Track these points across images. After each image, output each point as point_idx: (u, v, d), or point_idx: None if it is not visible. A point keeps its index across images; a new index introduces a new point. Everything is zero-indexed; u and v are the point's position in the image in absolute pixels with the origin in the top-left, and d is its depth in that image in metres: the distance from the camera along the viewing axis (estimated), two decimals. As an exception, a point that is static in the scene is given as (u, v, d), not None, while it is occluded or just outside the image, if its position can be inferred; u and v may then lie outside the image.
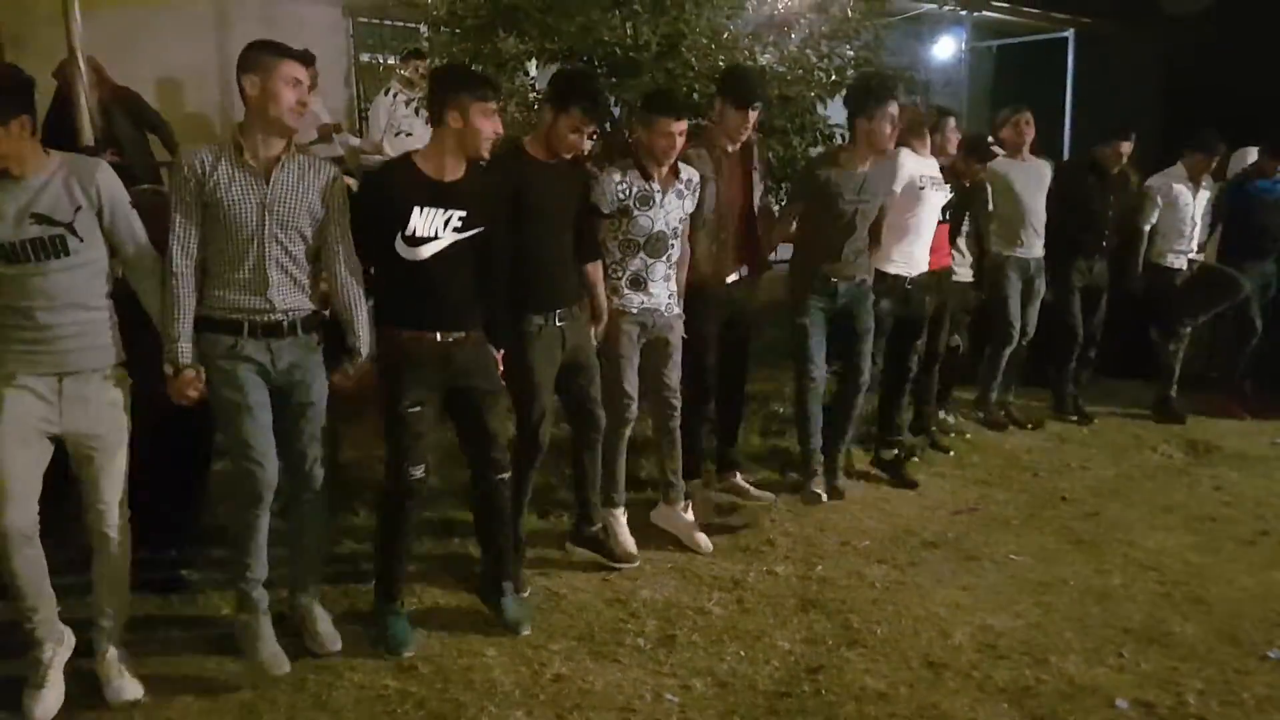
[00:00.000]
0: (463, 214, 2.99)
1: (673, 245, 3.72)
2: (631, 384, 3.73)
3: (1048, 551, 4.01)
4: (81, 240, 2.63)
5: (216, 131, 7.12)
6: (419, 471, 3.04)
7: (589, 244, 3.56)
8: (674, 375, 3.86)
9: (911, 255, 4.48)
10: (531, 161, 3.36)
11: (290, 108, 2.74)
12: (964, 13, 10.11)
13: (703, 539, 3.91)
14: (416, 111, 5.78)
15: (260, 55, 2.74)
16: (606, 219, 3.61)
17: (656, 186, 3.63)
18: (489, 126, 2.97)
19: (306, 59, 2.80)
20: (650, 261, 3.68)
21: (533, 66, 5.15)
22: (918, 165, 4.41)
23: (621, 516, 3.86)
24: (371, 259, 2.99)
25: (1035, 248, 5.38)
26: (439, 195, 2.96)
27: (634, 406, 3.75)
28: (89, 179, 2.65)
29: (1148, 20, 12.07)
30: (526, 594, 3.46)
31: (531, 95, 4.99)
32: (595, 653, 3.15)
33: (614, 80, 4.77)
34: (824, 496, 4.20)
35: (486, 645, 3.17)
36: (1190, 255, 5.90)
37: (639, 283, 3.69)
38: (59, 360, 2.64)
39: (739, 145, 3.98)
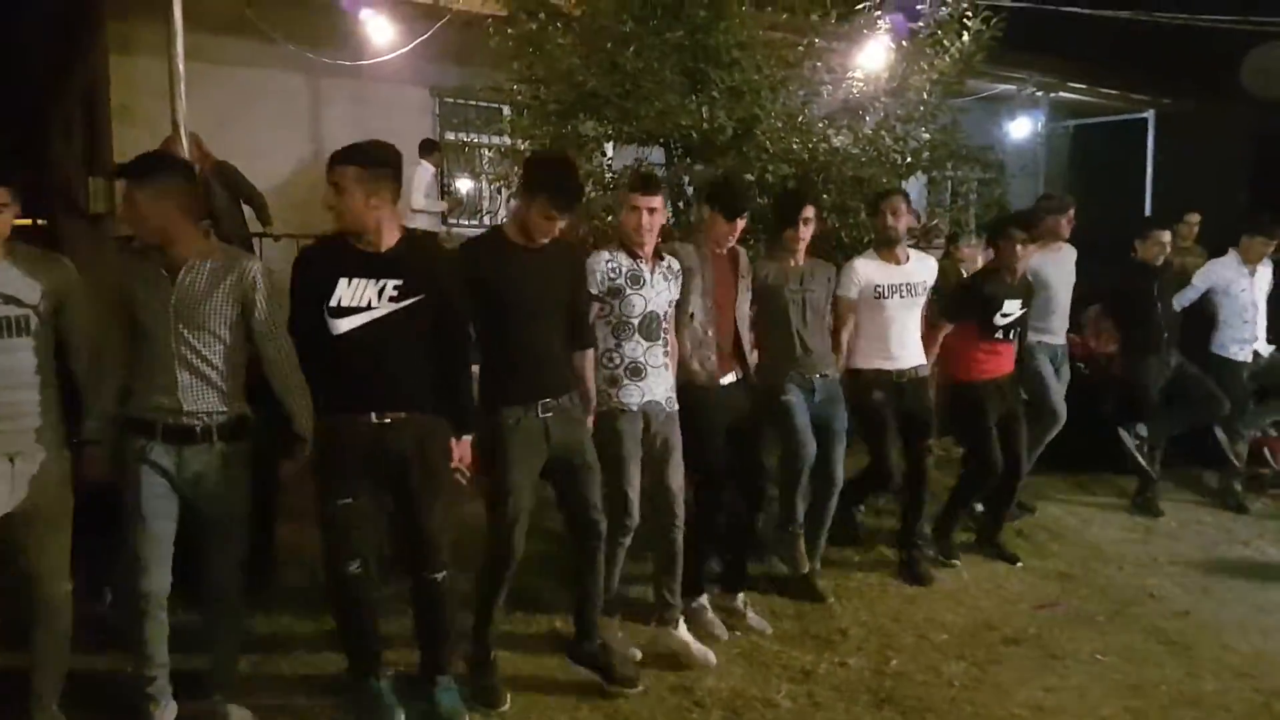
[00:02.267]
0: (398, 282, 2.88)
1: (666, 330, 3.54)
2: (635, 488, 3.47)
3: (1136, 652, 3.83)
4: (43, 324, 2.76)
5: (307, 205, 7.43)
6: (355, 567, 2.90)
7: (580, 331, 3.37)
8: (677, 478, 3.57)
9: (890, 353, 4.31)
10: (508, 245, 3.19)
11: (132, 221, 2.81)
12: (1040, 94, 10.10)
13: (706, 654, 3.57)
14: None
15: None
16: (597, 301, 3.44)
17: (644, 266, 3.47)
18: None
19: (128, 172, 2.81)
20: (647, 345, 3.47)
21: (610, 148, 5.30)
22: (874, 273, 4.26)
23: (615, 627, 3.63)
24: (303, 340, 2.91)
25: (1060, 335, 5.20)
26: (369, 265, 2.88)
27: (636, 513, 3.48)
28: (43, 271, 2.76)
29: (1229, 101, 11.94)
30: (505, 708, 3.22)
31: (608, 176, 5.12)
32: (661, 742, 3.08)
33: (690, 163, 4.86)
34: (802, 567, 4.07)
35: (551, 730, 3.13)
36: (1255, 345, 5.58)
37: (639, 371, 3.46)
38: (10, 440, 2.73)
39: (726, 250, 3.83)
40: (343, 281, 2.84)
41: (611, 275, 3.42)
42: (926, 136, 5.39)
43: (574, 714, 3.22)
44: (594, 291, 3.40)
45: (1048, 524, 5.28)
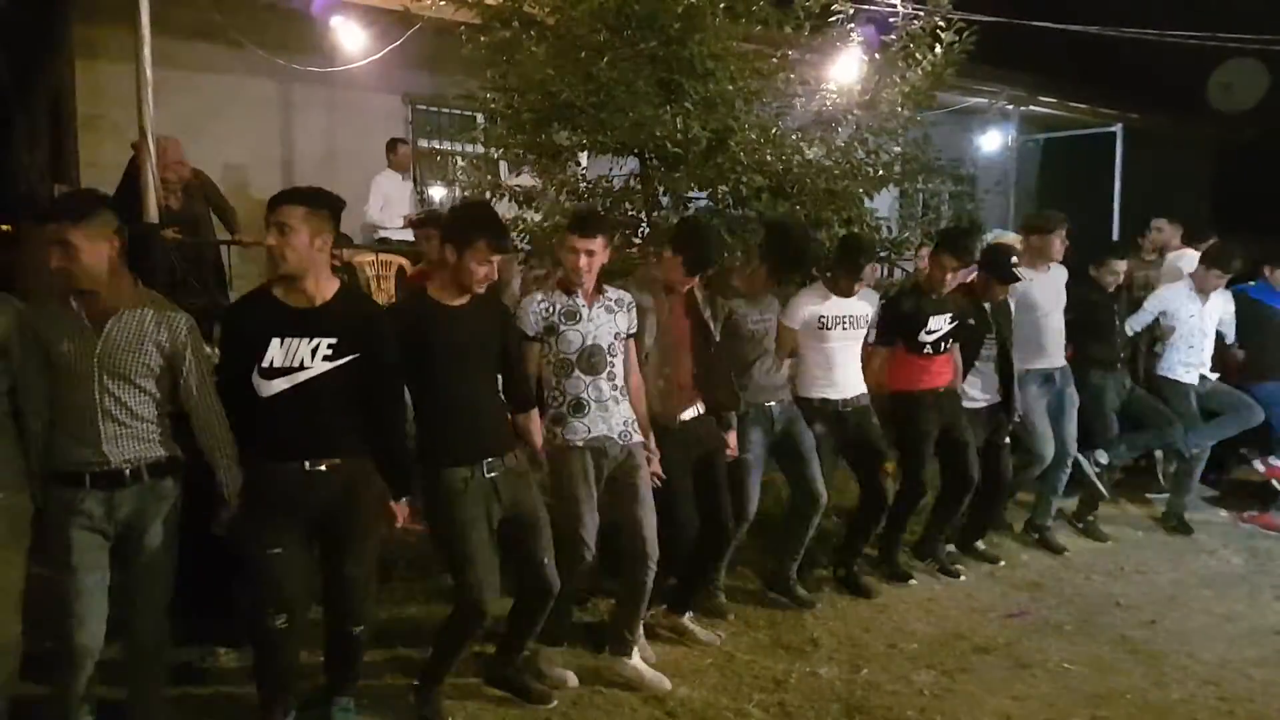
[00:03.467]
0: (332, 340, 2.82)
1: (612, 362, 3.42)
2: (589, 529, 3.35)
3: (1103, 661, 3.86)
4: None
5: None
6: (281, 621, 2.82)
7: (518, 390, 3.31)
8: (648, 518, 3.43)
9: (834, 381, 4.29)
10: (435, 305, 3.10)
11: (58, 270, 2.62)
12: (1011, 107, 10.22)
13: (660, 680, 3.49)
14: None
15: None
16: (535, 343, 3.38)
17: (581, 301, 3.39)
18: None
19: (63, 215, 2.64)
20: (589, 380, 3.38)
21: (584, 157, 5.30)
22: (821, 305, 4.23)
23: (556, 655, 3.55)
24: (230, 396, 2.85)
25: (1058, 357, 5.09)
26: (303, 322, 2.81)
27: (590, 555, 3.37)
28: None
29: (1195, 116, 12.16)
30: None
31: (581, 185, 5.11)
32: (632, 754, 3.06)
33: (663, 173, 4.87)
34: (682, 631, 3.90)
35: (521, 742, 3.10)
36: (1201, 370, 5.54)
37: (581, 407, 3.37)
38: None
39: (683, 290, 3.75)
40: (275, 341, 2.77)
41: (545, 315, 3.37)
42: (898, 149, 5.43)
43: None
44: (529, 334, 3.36)
45: (1017, 534, 5.32)
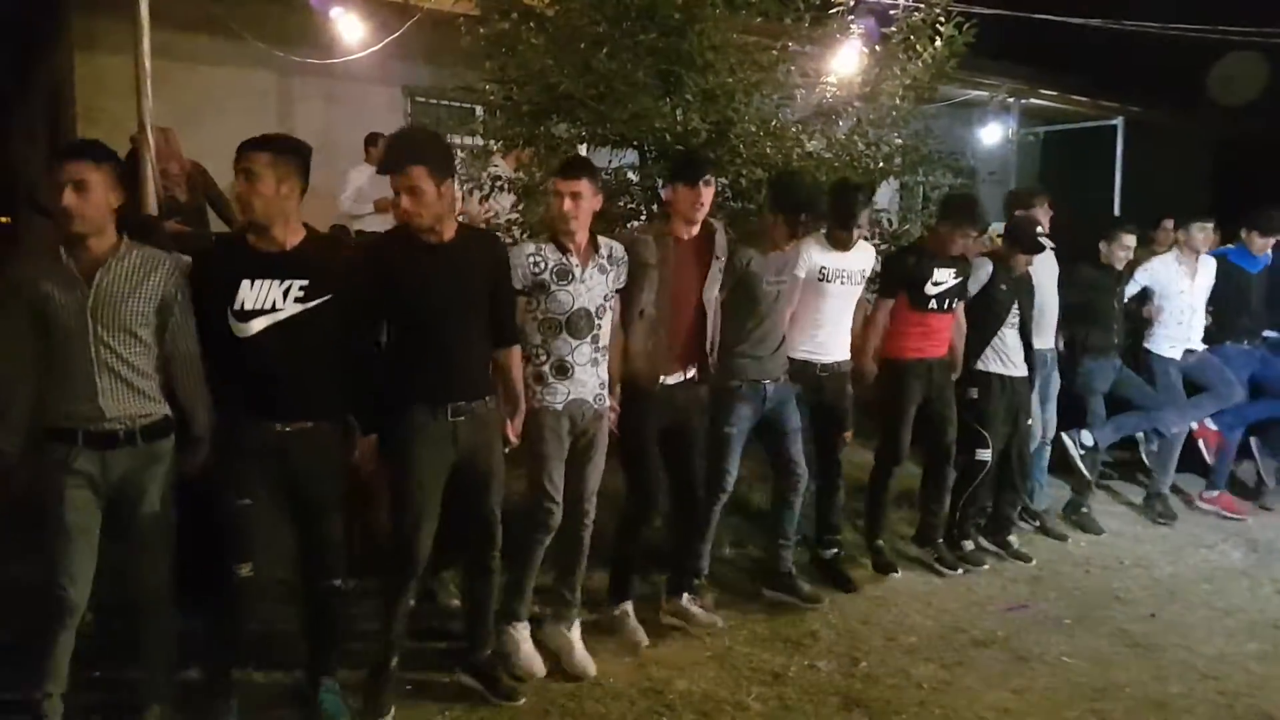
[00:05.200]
0: (304, 282, 2.83)
1: (599, 325, 3.38)
2: (556, 486, 3.34)
3: (1102, 655, 3.86)
4: None
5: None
6: (246, 570, 2.85)
7: (502, 326, 3.22)
8: (593, 479, 3.48)
9: (819, 342, 4.21)
10: (417, 241, 3.02)
11: (67, 209, 2.62)
12: (1012, 100, 10.19)
13: (587, 662, 3.46)
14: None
15: (51, 160, 2.73)
16: (522, 296, 3.31)
17: (575, 260, 3.30)
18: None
19: (85, 154, 2.68)
20: (575, 344, 3.33)
21: (583, 150, 5.28)
22: (822, 256, 4.15)
23: (524, 631, 3.47)
24: (206, 343, 2.85)
25: (1049, 339, 5.09)
26: (273, 265, 2.82)
27: (558, 512, 3.35)
28: None
29: (1199, 109, 12.14)
30: (389, 717, 3.12)
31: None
32: (630, 747, 3.06)
33: (663, 165, 4.84)
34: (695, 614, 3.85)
35: (519, 734, 3.10)
36: (1187, 345, 5.56)
37: (565, 369, 3.33)
38: None
39: (696, 231, 3.65)
40: (245, 283, 2.78)
41: (535, 269, 3.27)
42: (899, 141, 5.41)
43: (544, 718, 3.20)
44: (517, 287, 3.27)
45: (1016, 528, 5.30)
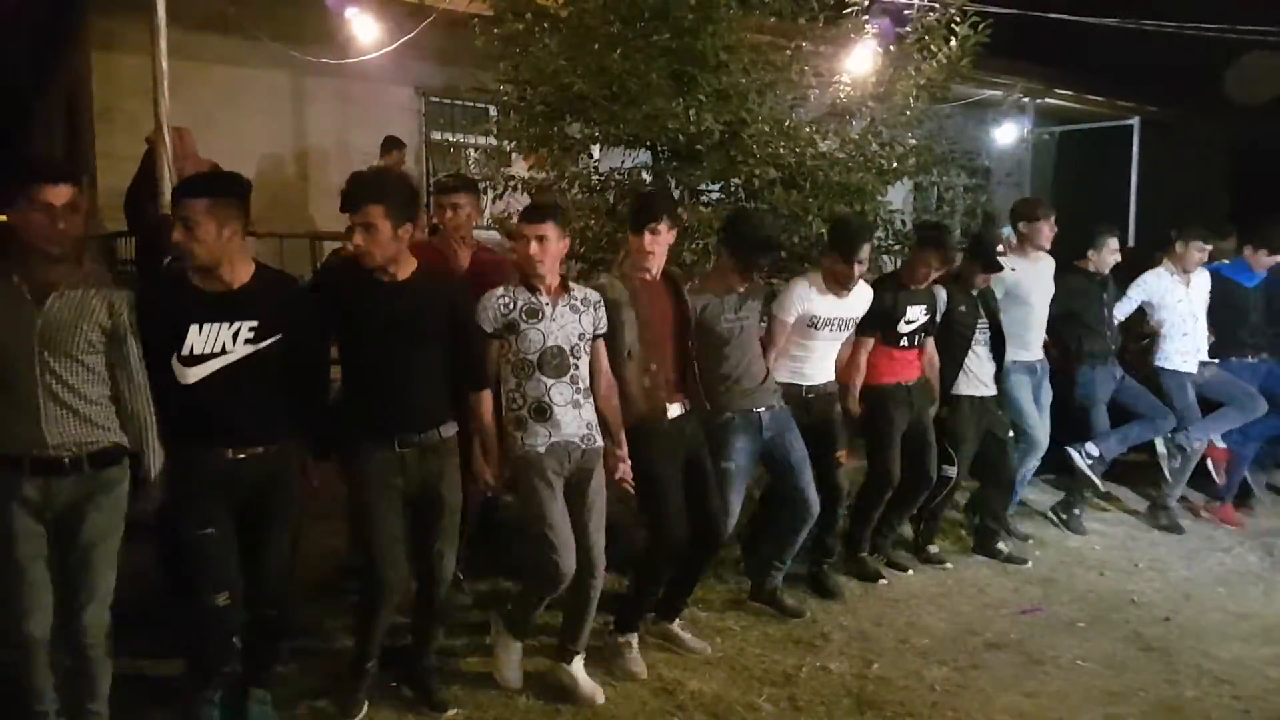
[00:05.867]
0: (254, 323, 2.79)
1: (575, 365, 3.29)
2: (559, 534, 3.20)
3: (1116, 658, 3.84)
4: None
5: (291, 203, 7.39)
6: (223, 599, 2.81)
7: (470, 368, 3.20)
8: (597, 531, 3.34)
9: (805, 374, 4.17)
10: (368, 276, 3.00)
11: (41, 234, 2.56)
12: (1027, 100, 10.15)
13: (595, 692, 3.35)
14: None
15: (15, 185, 2.62)
16: (493, 340, 3.26)
17: (545, 299, 3.26)
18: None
19: (58, 177, 2.62)
20: (550, 383, 3.24)
21: (596, 150, 5.29)
22: (816, 303, 4.07)
23: (519, 649, 3.44)
24: (154, 378, 2.79)
25: (1038, 349, 5.05)
26: (221, 307, 2.77)
27: (565, 564, 3.19)
28: None
29: (1214, 108, 12.04)
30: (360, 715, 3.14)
31: (594, 179, 5.10)
32: (641, 747, 3.07)
33: (676, 166, 4.85)
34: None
35: (530, 734, 3.11)
36: (1198, 356, 5.43)
37: (543, 411, 3.24)
38: None
39: (658, 273, 3.60)
40: (194, 328, 2.74)
41: (504, 311, 3.24)
42: (913, 141, 5.39)
43: (555, 718, 3.21)
44: (488, 330, 3.24)
45: (1029, 530, 5.29)
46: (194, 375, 2.76)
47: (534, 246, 3.22)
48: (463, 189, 3.90)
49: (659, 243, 3.52)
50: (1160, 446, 5.50)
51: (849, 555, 4.59)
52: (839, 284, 4.10)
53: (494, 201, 5.31)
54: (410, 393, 3.06)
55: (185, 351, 2.74)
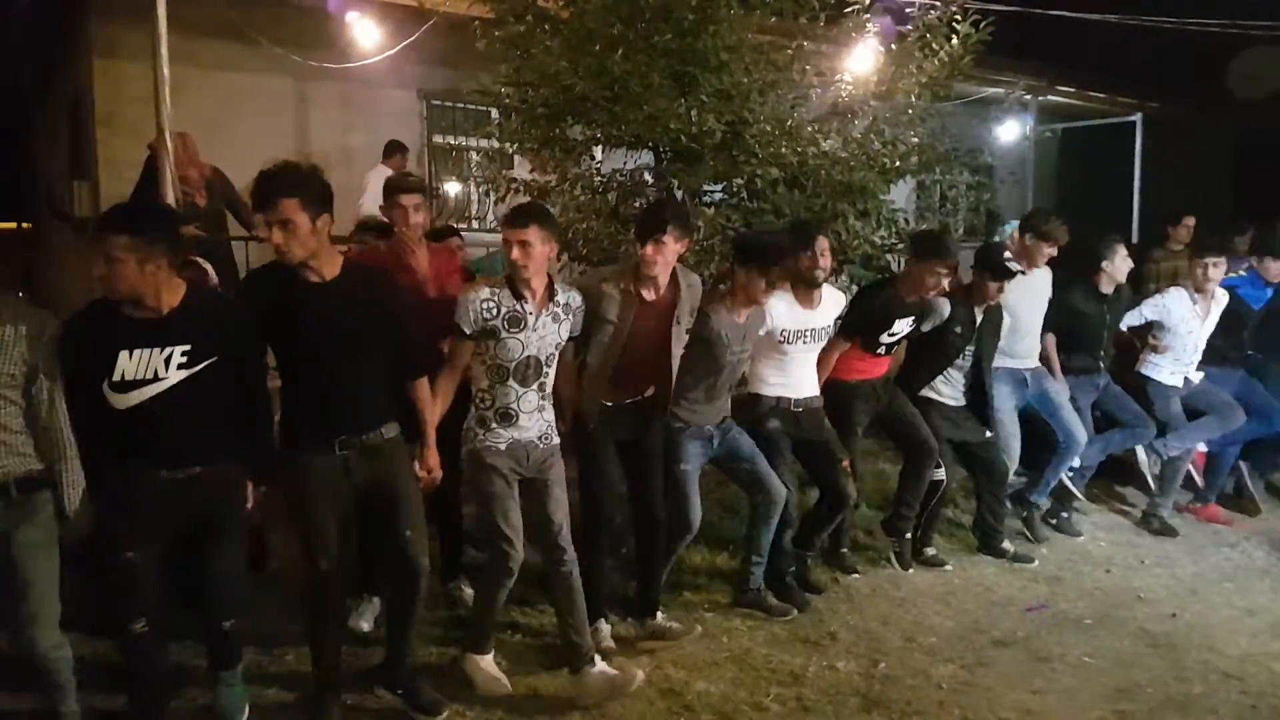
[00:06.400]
0: (186, 348, 2.74)
1: (546, 373, 3.30)
2: (512, 526, 3.22)
3: (1124, 655, 3.84)
4: None
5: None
6: (140, 625, 2.78)
7: (406, 359, 3.15)
8: (560, 514, 3.36)
9: (788, 383, 4.17)
10: (297, 279, 2.91)
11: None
12: (1029, 97, 10.14)
13: (635, 675, 3.34)
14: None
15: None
16: (469, 341, 3.23)
17: (529, 308, 3.21)
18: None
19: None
20: (521, 391, 3.25)
21: (598, 152, 5.29)
22: (785, 317, 4.06)
23: (484, 660, 3.38)
24: (82, 404, 2.75)
25: (1030, 359, 4.98)
26: (152, 333, 2.72)
27: (516, 554, 3.23)
28: None
29: (1216, 106, 12.03)
30: None
31: (597, 180, 5.10)
32: (649, 748, 3.07)
33: (679, 167, 4.85)
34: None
35: (539, 736, 3.12)
36: (1186, 372, 5.38)
37: (509, 416, 3.24)
38: None
39: (663, 289, 3.55)
40: (123, 355, 2.69)
41: (486, 315, 3.18)
42: (915, 140, 5.39)
43: (566, 718, 3.21)
44: (466, 331, 3.20)
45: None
46: (127, 401, 2.71)
47: (516, 252, 3.17)
48: (418, 189, 3.87)
49: (664, 253, 3.45)
50: (1141, 454, 5.43)
51: (830, 548, 4.59)
52: (807, 284, 4.08)
53: (496, 204, 5.32)
54: (349, 394, 2.99)
55: (116, 378, 2.69)
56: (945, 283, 4.39)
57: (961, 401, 4.71)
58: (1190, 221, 7.28)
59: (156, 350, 2.72)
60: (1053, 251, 4.93)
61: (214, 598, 2.97)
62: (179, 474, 2.80)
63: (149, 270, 2.67)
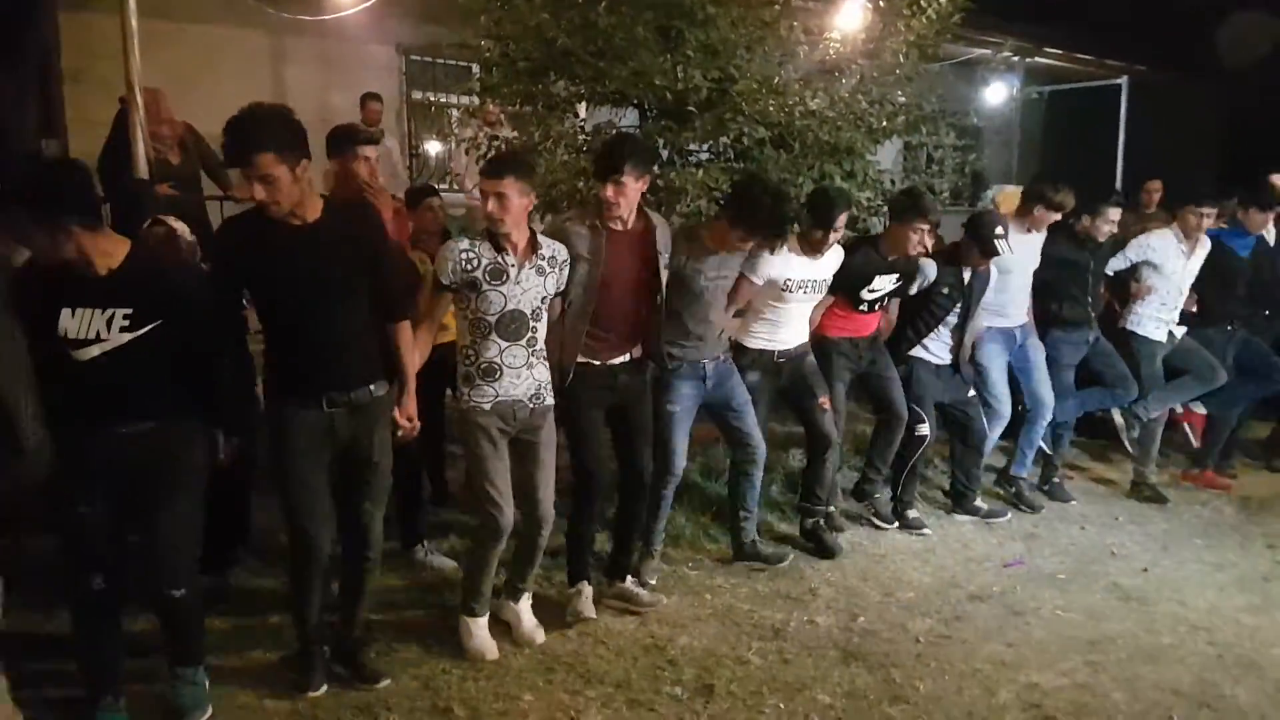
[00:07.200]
0: (128, 310, 2.65)
1: (533, 328, 3.23)
2: (499, 489, 3.22)
3: (1096, 608, 3.92)
4: None
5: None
6: (99, 581, 2.73)
7: (388, 301, 3.02)
8: (542, 482, 3.34)
9: (778, 338, 4.18)
10: (273, 224, 2.78)
11: None
12: (1016, 59, 10.09)
13: (534, 631, 3.45)
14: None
15: None
16: (448, 292, 3.18)
17: (511, 259, 3.14)
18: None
19: None
20: (505, 345, 3.19)
21: (582, 109, 5.23)
22: (791, 266, 4.04)
23: (478, 623, 3.38)
24: (35, 357, 2.66)
25: (1018, 316, 5.00)
26: (93, 293, 2.63)
27: (504, 517, 3.24)
28: None
29: (1203, 69, 12.01)
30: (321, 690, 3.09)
31: (581, 138, 5.04)
32: (632, 701, 3.11)
33: (664, 125, 4.80)
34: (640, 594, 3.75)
35: (523, 689, 3.16)
36: (1170, 327, 5.35)
37: (492, 372, 3.19)
38: None
39: (630, 224, 3.48)
40: (65, 313, 2.62)
41: (466, 267, 3.11)
42: (902, 100, 5.34)
43: (548, 675, 3.25)
44: (445, 282, 3.14)
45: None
46: (83, 355, 2.66)
47: (492, 204, 3.11)
48: (373, 141, 3.83)
49: (624, 193, 3.37)
50: (1117, 418, 5.45)
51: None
52: (814, 249, 4.10)
53: (478, 163, 5.25)
54: (337, 347, 2.89)
55: (60, 334, 2.63)
56: (928, 240, 4.39)
57: (949, 359, 4.73)
58: (1154, 186, 7.32)
59: (98, 311, 2.64)
60: (1057, 217, 4.95)
61: (159, 563, 2.80)
62: (127, 429, 2.72)
63: (61, 241, 2.58)
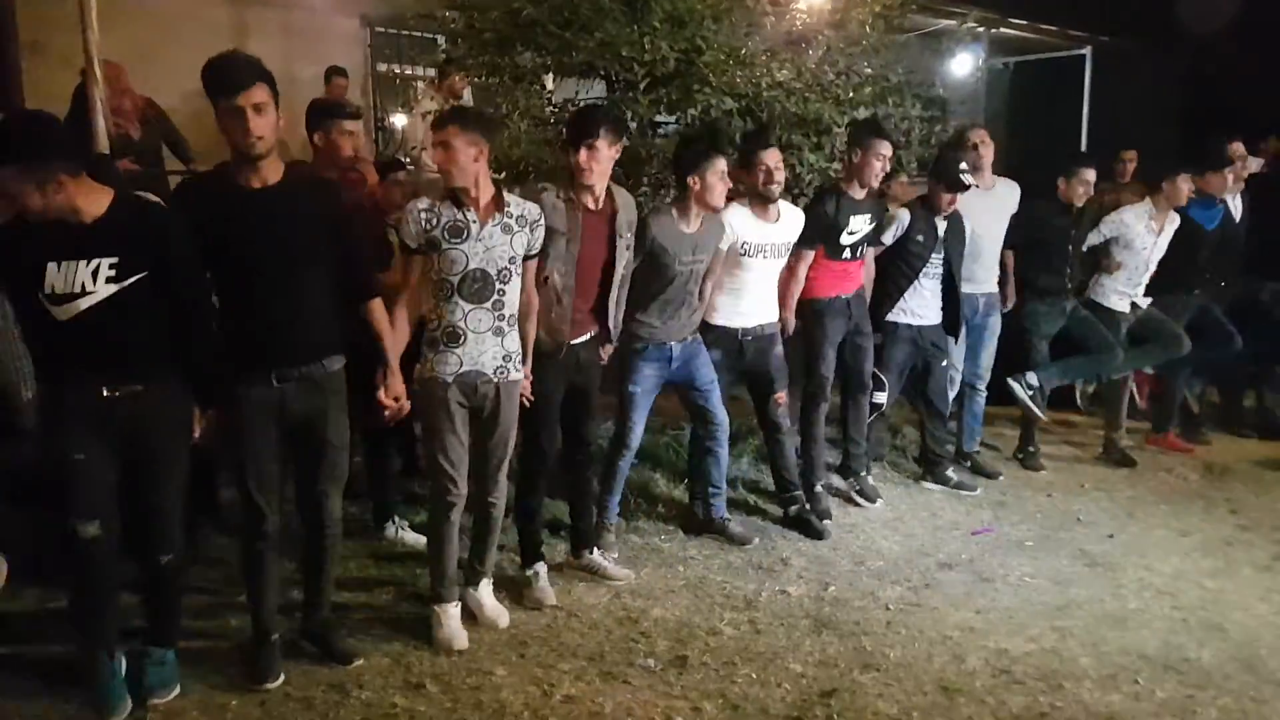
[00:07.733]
0: (114, 260, 2.59)
1: (501, 290, 3.11)
2: (453, 462, 3.15)
3: (1063, 574, 3.98)
4: None
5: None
6: (93, 528, 2.66)
7: (352, 280, 2.97)
8: (495, 457, 3.27)
9: (741, 310, 4.13)
10: (231, 187, 2.73)
11: None
12: (981, 30, 10.10)
13: (496, 614, 3.42)
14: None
15: None
16: (417, 256, 3.09)
17: (472, 216, 3.04)
18: None
19: None
20: (469, 308, 3.07)
21: (549, 81, 5.17)
22: (745, 228, 4.01)
23: (449, 610, 3.30)
24: (22, 316, 2.70)
25: (987, 283, 5.01)
26: (78, 244, 2.58)
27: (458, 491, 3.19)
28: None
29: (1167, 38, 12.07)
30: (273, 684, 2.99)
31: (548, 110, 4.99)
32: (605, 673, 3.12)
33: (631, 97, 4.76)
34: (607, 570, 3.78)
35: (496, 664, 3.16)
36: (1134, 298, 5.39)
37: (456, 336, 3.08)
38: None
39: (601, 199, 3.46)
40: (51, 267, 2.56)
41: (426, 226, 3.02)
42: (869, 71, 5.34)
43: (521, 650, 3.26)
44: (411, 245, 3.06)
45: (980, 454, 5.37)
46: (63, 314, 2.60)
47: (438, 154, 3.02)
48: (357, 116, 3.85)
49: (596, 159, 3.33)
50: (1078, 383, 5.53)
51: (804, 490, 4.51)
52: (764, 198, 4.04)
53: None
54: (290, 318, 2.81)
55: (47, 290, 2.57)
56: (886, 166, 4.35)
57: (934, 320, 4.72)
58: (1129, 155, 7.36)
59: (83, 263, 2.58)
60: (988, 145, 4.97)
61: (149, 527, 2.78)
62: (117, 391, 2.67)
63: (51, 191, 2.53)
